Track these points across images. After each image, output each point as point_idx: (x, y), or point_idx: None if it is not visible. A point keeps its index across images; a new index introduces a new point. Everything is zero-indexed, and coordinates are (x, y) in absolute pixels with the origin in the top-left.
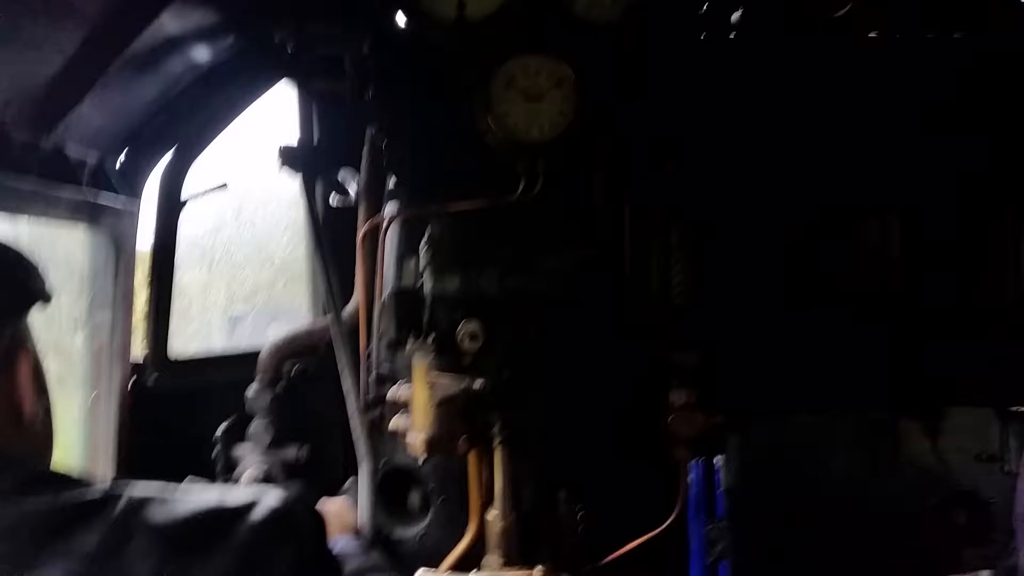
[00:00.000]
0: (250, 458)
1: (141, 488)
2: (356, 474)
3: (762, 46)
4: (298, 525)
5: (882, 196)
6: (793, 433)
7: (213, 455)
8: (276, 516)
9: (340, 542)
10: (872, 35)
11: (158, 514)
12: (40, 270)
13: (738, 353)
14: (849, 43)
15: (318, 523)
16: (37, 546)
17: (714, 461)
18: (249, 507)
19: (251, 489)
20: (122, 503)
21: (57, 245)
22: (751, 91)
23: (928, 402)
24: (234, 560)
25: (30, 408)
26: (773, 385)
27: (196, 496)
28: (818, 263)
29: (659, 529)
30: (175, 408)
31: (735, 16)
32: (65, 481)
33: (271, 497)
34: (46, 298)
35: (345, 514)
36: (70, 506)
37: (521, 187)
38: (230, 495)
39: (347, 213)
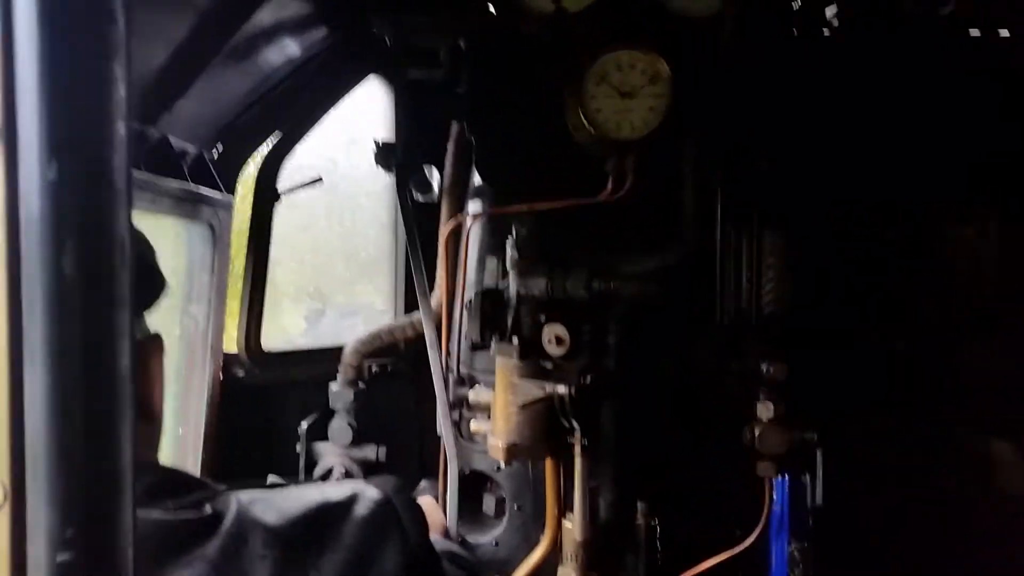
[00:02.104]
0: (330, 456)
1: (247, 493)
2: (429, 476)
3: (860, 43)
4: (401, 517)
5: (981, 201)
6: (885, 451)
7: (296, 451)
8: (380, 509)
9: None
10: (974, 33)
11: (268, 515)
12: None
13: (829, 365)
14: (951, 41)
15: (420, 516)
16: (168, 553)
17: (801, 478)
18: (351, 502)
19: (348, 484)
20: (233, 508)
21: (158, 237)
22: (847, 90)
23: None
24: (346, 553)
25: (158, 402)
26: (865, 400)
27: (299, 495)
28: (914, 270)
29: (740, 547)
30: (261, 402)
31: (829, 12)
32: (179, 484)
33: (370, 491)
34: (165, 290)
35: (434, 513)
36: (189, 517)
37: (609, 186)
38: (330, 492)
39: (429, 209)
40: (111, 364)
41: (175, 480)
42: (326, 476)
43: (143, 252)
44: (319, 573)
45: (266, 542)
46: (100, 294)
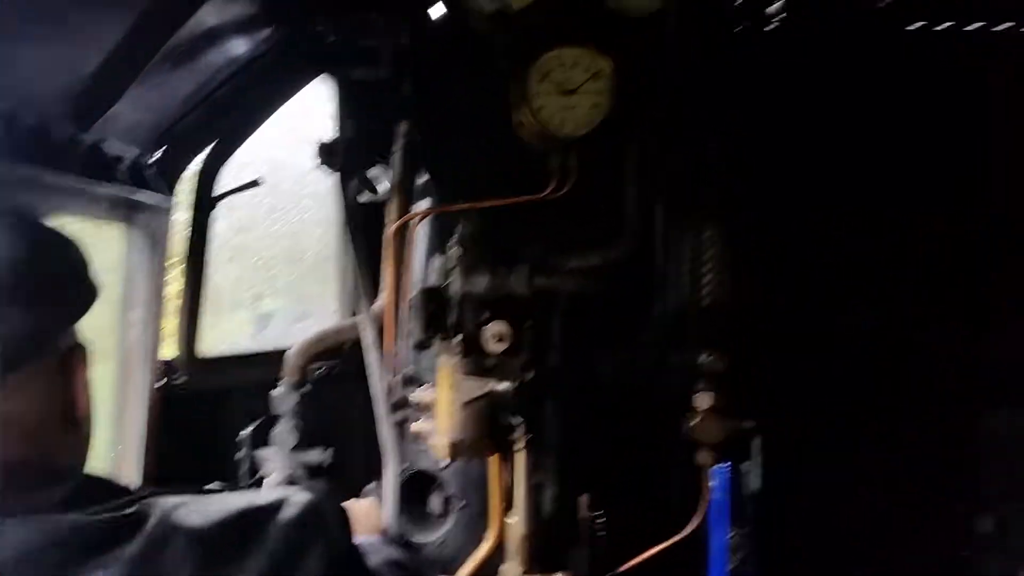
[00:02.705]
0: (274, 461)
1: (173, 497)
2: (378, 477)
3: (801, 38)
4: (326, 521)
5: (926, 192)
6: (821, 438)
7: (238, 457)
8: (305, 513)
9: (367, 541)
10: (915, 26)
11: (191, 519)
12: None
13: (767, 357)
14: (890, 34)
15: (344, 520)
16: (83, 557)
17: (739, 467)
18: (278, 506)
19: (278, 490)
20: (157, 511)
21: (93, 243)
22: (789, 84)
23: (965, 407)
24: (267, 558)
25: (83, 411)
26: (802, 389)
27: (225, 500)
28: (852, 264)
29: (680, 536)
30: (202, 408)
31: (772, 7)
32: (102, 489)
33: (298, 496)
34: (95, 298)
35: (373, 515)
36: (110, 518)
37: (553, 183)
38: (257, 497)
39: (376, 209)
40: None
41: (99, 486)
42: (258, 482)
43: (75, 261)
44: (241, 574)
45: (189, 544)
46: None
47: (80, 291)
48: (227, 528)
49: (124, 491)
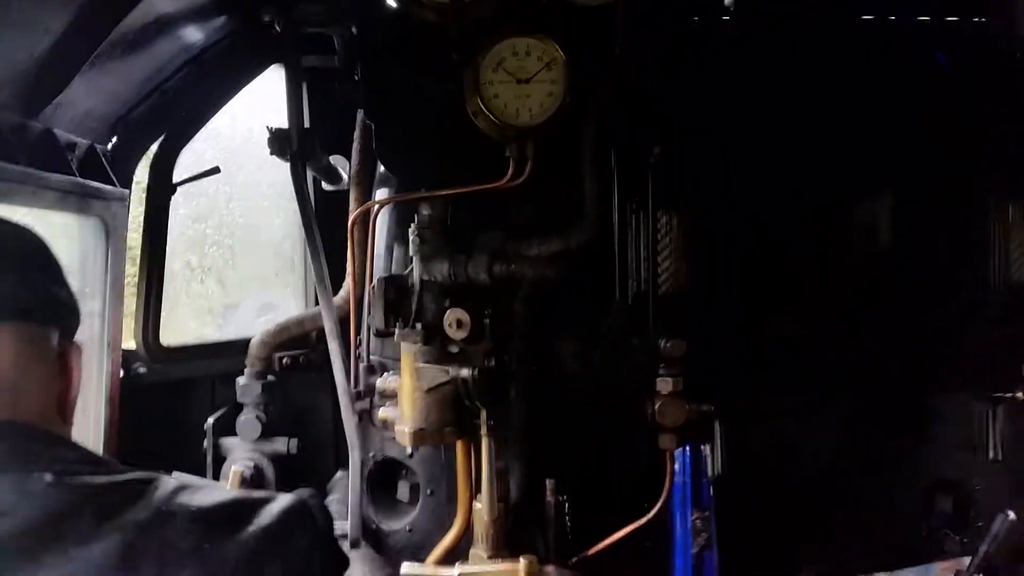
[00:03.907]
0: (239, 451)
1: (173, 478)
2: (345, 467)
3: (753, 29)
4: (311, 512)
5: (872, 183)
6: (780, 421)
7: (203, 446)
8: (295, 504)
9: None
10: (867, 18)
11: (195, 499)
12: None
13: (725, 341)
14: (843, 27)
15: (326, 514)
16: (97, 518)
17: (701, 449)
18: (268, 499)
19: (265, 492)
20: (161, 487)
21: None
22: (743, 75)
23: (913, 389)
24: (262, 536)
25: (72, 403)
26: (759, 372)
27: (222, 491)
28: (805, 250)
29: (644, 519)
30: (165, 397)
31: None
32: (98, 461)
33: (287, 496)
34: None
35: None
36: (122, 484)
37: (510, 171)
38: (251, 493)
39: (341, 197)
40: None
41: (95, 458)
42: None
43: (54, 274)
44: (237, 546)
45: (191, 519)
46: None
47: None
48: (225, 509)
49: (115, 464)
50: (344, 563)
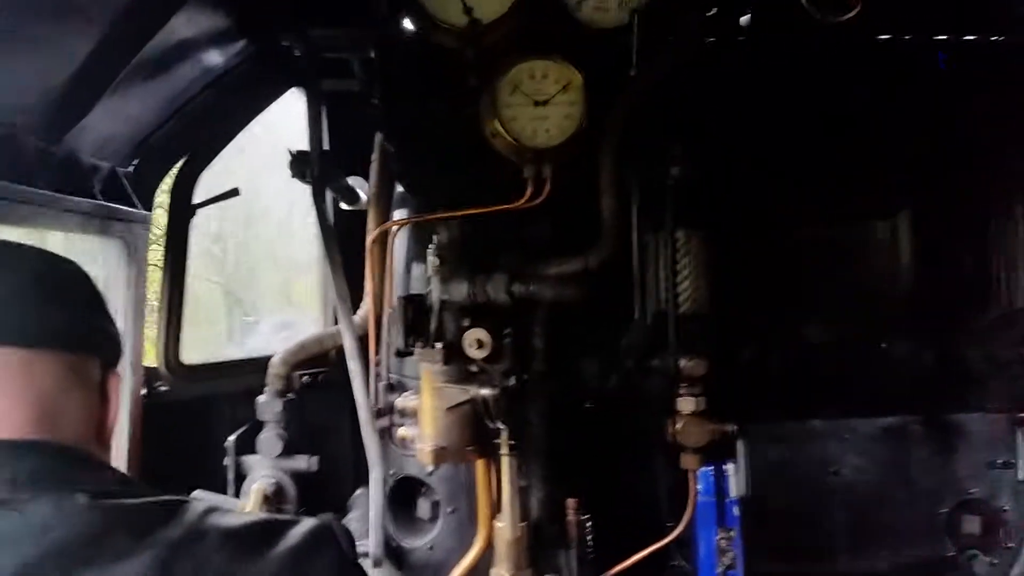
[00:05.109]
0: (260, 468)
1: (201, 501)
2: (365, 485)
3: (770, 49)
4: (335, 534)
5: (895, 200)
6: (804, 440)
7: (224, 463)
8: (319, 527)
9: None
10: (882, 37)
11: (224, 520)
12: None
13: (748, 361)
14: (857, 46)
15: (350, 537)
16: (132, 537)
17: (724, 469)
18: (295, 521)
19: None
20: (192, 508)
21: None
22: (759, 94)
23: (940, 409)
24: (288, 556)
25: (110, 430)
26: (784, 392)
27: (249, 514)
28: (828, 268)
29: (669, 539)
30: (186, 416)
31: (744, 19)
32: (133, 483)
33: (311, 519)
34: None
35: None
36: (156, 505)
37: (528, 192)
38: (278, 515)
39: (359, 218)
40: None
41: (130, 481)
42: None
43: (97, 306)
44: (265, 565)
45: (221, 539)
46: None
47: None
48: (254, 529)
49: (147, 487)
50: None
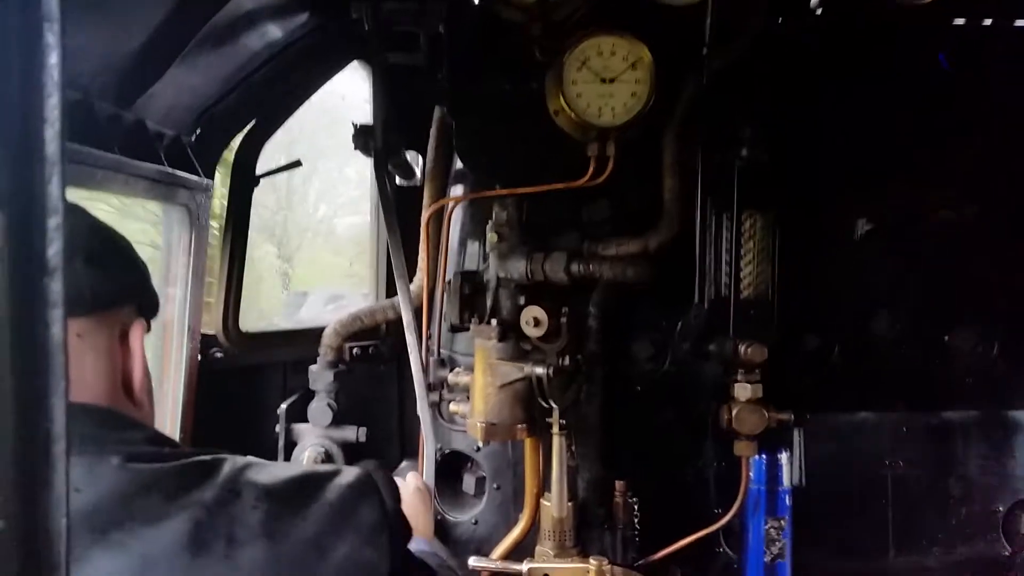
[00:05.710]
0: (309, 437)
1: (239, 457)
2: (410, 457)
3: (842, 33)
4: (377, 485)
5: (961, 191)
6: (860, 432)
7: (275, 431)
8: (361, 478)
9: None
10: (958, 22)
11: (260, 476)
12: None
13: (809, 350)
14: (930, 32)
15: (393, 486)
16: (165, 498)
17: (778, 457)
18: (335, 472)
19: (332, 466)
20: (228, 466)
21: (133, 219)
22: (830, 78)
23: (1001, 405)
24: (328, 512)
25: (140, 387)
26: (844, 384)
27: (288, 465)
28: (893, 257)
29: (717, 525)
30: (240, 383)
31: (814, 1)
32: (168, 442)
33: (354, 469)
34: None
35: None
36: (190, 465)
37: (590, 171)
38: (317, 467)
39: (411, 193)
40: (42, 333)
41: (164, 439)
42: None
43: (118, 246)
44: (304, 522)
45: (258, 496)
46: (30, 264)
47: (133, 274)
48: (292, 485)
49: (182, 446)
50: (409, 535)
